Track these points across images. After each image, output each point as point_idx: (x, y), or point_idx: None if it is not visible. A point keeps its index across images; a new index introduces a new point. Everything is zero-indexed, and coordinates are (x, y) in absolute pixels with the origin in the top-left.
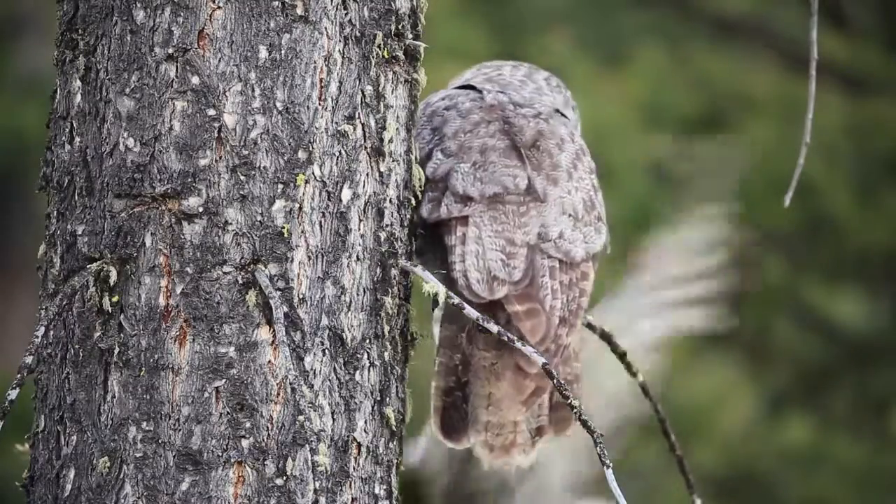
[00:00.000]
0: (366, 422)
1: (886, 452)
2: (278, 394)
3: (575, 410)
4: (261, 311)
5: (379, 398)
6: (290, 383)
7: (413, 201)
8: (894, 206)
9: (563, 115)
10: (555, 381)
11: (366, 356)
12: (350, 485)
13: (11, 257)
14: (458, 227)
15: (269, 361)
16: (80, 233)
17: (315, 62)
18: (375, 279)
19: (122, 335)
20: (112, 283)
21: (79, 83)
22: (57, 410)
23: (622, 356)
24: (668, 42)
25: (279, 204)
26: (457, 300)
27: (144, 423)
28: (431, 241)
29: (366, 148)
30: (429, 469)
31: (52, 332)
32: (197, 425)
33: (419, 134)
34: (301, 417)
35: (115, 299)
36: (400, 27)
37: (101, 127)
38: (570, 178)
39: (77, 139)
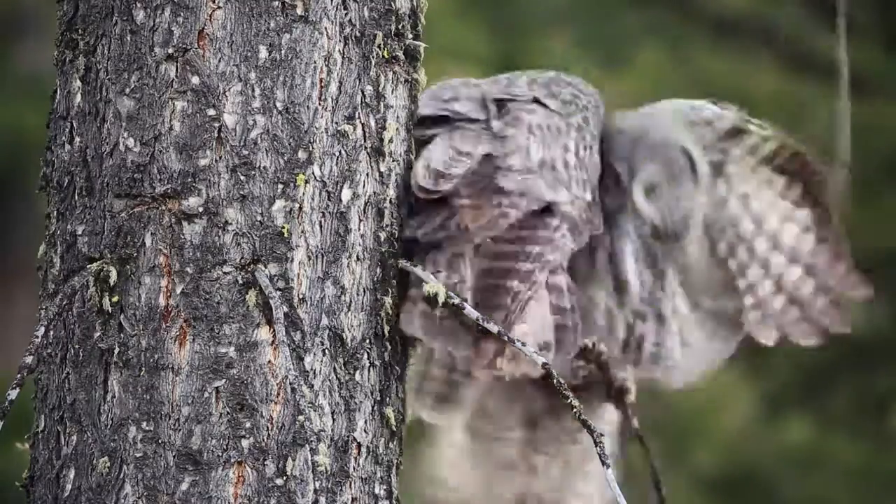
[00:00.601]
0: (366, 422)
1: (886, 452)
2: (278, 394)
3: (574, 410)
4: (261, 311)
5: (379, 398)
6: (290, 383)
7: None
8: (894, 206)
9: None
10: (554, 380)
11: (366, 356)
12: (350, 485)
13: (12, 257)
14: (423, 147)
15: (269, 361)
16: (80, 233)
17: (315, 62)
18: (375, 279)
19: (122, 335)
20: (112, 283)
21: (79, 83)
22: (57, 410)
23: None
24: (668, 42)
25: (279, 204)
26: (457, 300)
27: (144, 423)
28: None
29: (366, 148)
30: None
31: (52, 332)
32: (197, 425)
33: None
34: (301, 417)
35: (115, 299)
36: (400, 27)
37: (101, 127)
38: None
39: (77, 139)
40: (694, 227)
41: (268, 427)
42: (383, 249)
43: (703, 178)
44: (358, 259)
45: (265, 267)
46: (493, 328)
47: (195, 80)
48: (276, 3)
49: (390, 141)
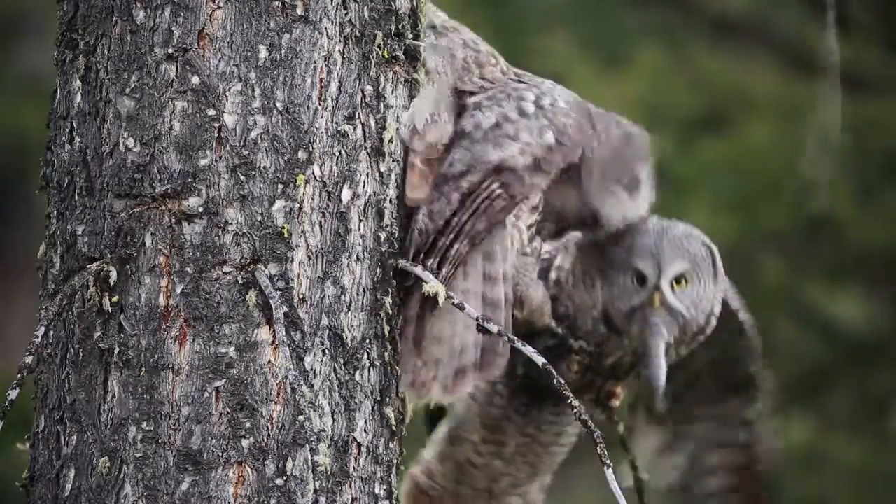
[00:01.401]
0: (366, 422)
1: (886, 452)
2: (278, 394)
3: (574, 411)
4: (261, 311)
5: (379, 398)
6: (290, 383)
7: None
8: (894, 206)
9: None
10: (554, 380)
11: (366, 356)
12: (350, 485)
13: (12, 257)
14: None
15: (269, 361)
16: (80, 233)
17: (315, 62)
18: (375, 279)
19: (122, 335)
20: (112, 283)
21: (79, 83)
22: (57, 410)
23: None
24: (668, 42)
25: (279, 204)
26: (457, 299)
27: (144, 423)
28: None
29: (366, 148)
30: None
31: (52, 332)
32: (197, 425)
33: None
34: (301, 417)
35: (115, 299)
36: (400, 27)
37: (101, 127)
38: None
39: (77, 139)
40: (714, 323)
41: (268, 427)
42: (383, 249)
43: (721, 275)
44: (358, 259)
45: (265, 267)
46: (493, 328)
47: (195, 80)
48: (276, 3)
49: (390, 141)
